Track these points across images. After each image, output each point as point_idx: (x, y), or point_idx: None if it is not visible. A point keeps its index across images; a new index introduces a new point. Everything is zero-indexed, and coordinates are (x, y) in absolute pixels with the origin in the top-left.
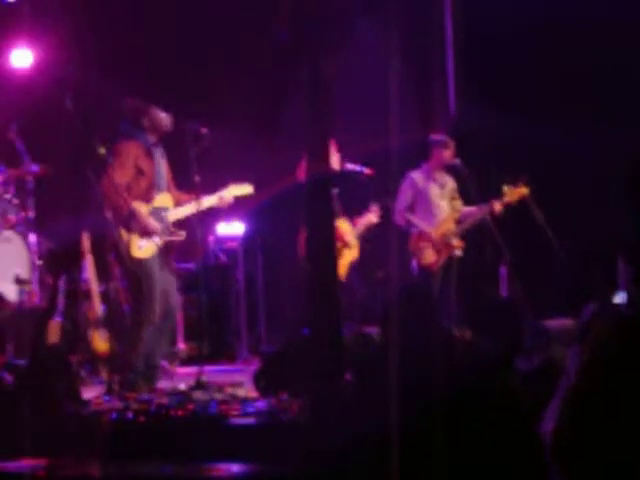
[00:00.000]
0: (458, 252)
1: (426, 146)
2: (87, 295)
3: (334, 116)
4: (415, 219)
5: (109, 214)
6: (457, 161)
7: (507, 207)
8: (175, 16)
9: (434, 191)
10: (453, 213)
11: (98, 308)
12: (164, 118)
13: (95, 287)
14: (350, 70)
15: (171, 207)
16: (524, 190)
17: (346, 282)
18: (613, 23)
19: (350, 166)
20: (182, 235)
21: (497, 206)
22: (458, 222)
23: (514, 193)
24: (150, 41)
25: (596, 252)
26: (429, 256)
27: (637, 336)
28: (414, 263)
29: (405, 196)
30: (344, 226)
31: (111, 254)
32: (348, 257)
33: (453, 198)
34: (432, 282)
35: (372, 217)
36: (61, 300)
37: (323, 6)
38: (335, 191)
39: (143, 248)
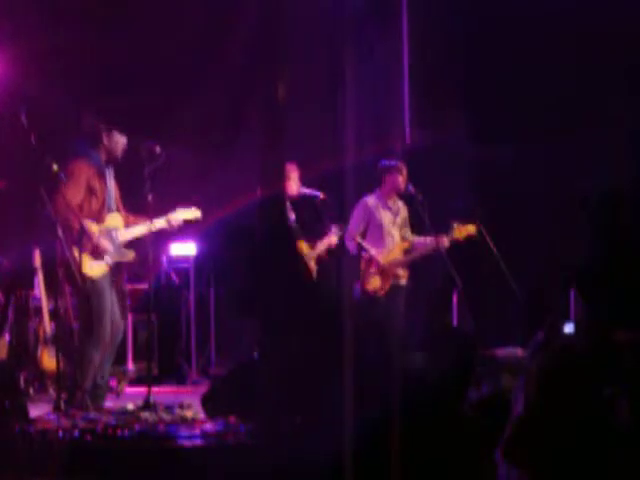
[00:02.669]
0: (403, 281)
1: (379, 172)
2: (37, 312)
3: (288, 140)
4: (366, 244)
5: (61, 232)
6: (411, 187)
7: (454, 243)
8: (132, 34)
9: (386, 218)
10: (402, 242)
11: (47, 325)
12: (121, 140)
13: (45, 304)
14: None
15: (121, 227)
16: (472, 228)
17: None
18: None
19: (306, 190)
20: (132, 256)
21: (444, 242)
22: (407, 252)
23: (462, 231)
24: (105, 58)
25: (550, 281)
26: (374, 282)
27: (579, 365)
28: (357, 287)
29: (357, 220)
30: (305, 249)
31: (61, 272)
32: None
33: (404, 227)
34: (375, 308)
35: (332, 239)
36: (10, 316)
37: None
38: (292, 216)
39: (94, 267)
